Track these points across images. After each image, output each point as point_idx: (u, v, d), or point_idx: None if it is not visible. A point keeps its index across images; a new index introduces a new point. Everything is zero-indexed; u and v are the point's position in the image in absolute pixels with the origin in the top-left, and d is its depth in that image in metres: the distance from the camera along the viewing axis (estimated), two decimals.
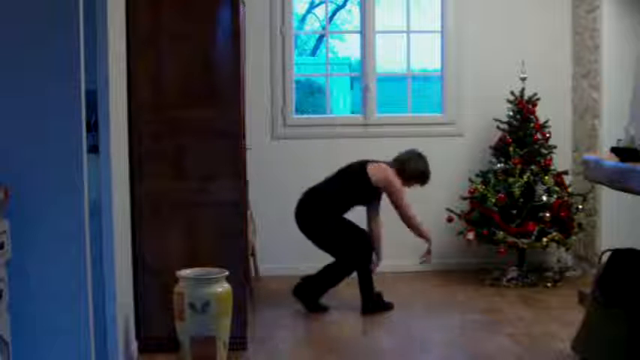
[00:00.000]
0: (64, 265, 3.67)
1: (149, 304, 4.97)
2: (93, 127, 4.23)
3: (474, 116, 7.09)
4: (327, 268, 5.97)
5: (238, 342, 4.96)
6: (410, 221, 5.94)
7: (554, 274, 6.68)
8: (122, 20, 4.78)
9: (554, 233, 6.47)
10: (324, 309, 5.94)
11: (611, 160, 4.77)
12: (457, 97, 7.12)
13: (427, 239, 6.03)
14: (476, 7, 7.08)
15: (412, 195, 6.84)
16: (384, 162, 5.99)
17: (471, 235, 6.60)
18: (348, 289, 6.14)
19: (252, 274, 6.51)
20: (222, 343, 4.68)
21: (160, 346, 4.91)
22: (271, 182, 6.87)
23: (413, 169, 6.00)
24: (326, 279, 5.96)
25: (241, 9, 5.29)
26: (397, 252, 6.58)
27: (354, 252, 5.90)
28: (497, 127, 6.80)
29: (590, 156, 5.21)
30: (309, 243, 5.98)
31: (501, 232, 6.46)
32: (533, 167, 6.59)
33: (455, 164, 7.07)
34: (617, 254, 4.67)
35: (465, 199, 6.75)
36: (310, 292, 5.95)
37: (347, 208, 5.99)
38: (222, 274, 4.71)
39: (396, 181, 5.91)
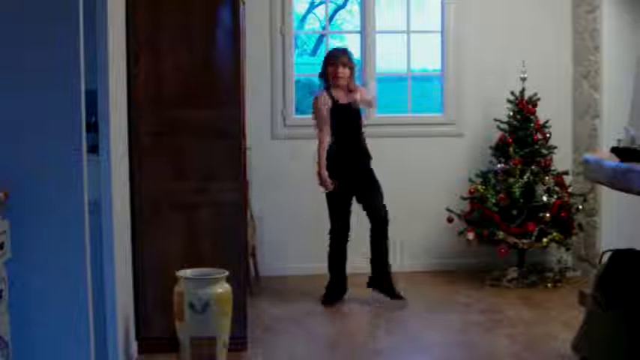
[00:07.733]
0: (64, 265, 3.66)
1: (149, 304, 4.97)
2: (93, 127, 4.22)
3: (474, 116, 7.08)
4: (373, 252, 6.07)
5: (238, 342, 4.96)
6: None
7: (554, 275, 6.68)
8: (122, 20, 4.78)
9: (555, 233, 6.47)
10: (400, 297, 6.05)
11: (611, 160, 4.76)
12: (457, 97, 7.12)
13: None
14: (476, 8, 7.07)
15: (412, 195, 6.85)
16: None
17: (470, 236, 6.59)
18: (349, 288, 6.15)
19: (252, 274, 6.51)
20: (222, 343, 4.68)
21: (160, 346, 4.91)
22: (271, 182, 6.87)
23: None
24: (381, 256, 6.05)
25: (241, 9, 5.29)
26: (397, 252, 6.57)
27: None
28: (498, 127, 6.80)
29: (590, 156, 5.19)
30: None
31: (501, 233, 6.46)
32: (533, 167, 6.59)
33: (455, 164, 7.06)
34: (618, 255, 4.66)
35: (465, 199, 6.75)
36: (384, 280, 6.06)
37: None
38: (222, 274, 4.71)
39: (316, 108, 6.07)
